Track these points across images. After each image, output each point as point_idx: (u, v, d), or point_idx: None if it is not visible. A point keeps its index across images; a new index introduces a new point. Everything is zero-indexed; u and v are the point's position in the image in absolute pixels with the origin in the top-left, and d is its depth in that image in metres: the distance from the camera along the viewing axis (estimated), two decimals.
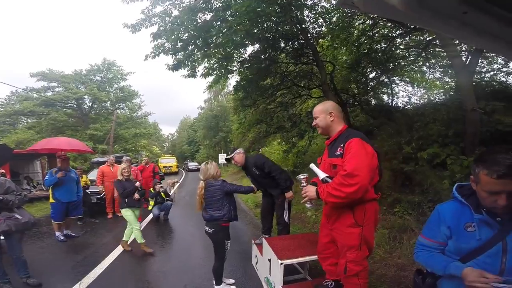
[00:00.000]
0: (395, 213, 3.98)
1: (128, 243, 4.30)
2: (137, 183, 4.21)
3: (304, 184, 2.05)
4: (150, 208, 6.51)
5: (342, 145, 1.85)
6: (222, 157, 22.64)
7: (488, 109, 3.80)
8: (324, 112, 2.03)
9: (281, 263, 2.49)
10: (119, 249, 4.32)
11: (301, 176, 2.08)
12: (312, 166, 2.06)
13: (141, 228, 5.49)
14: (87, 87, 20.53)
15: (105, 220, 6.42)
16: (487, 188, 1.16)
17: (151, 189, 6.52)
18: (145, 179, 7.56)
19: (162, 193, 6.50)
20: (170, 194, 7.00)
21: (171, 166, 25.06)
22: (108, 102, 22.71)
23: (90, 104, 21.90)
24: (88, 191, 6.72)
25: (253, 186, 3.07)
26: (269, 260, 2.78)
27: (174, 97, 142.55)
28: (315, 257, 2.53)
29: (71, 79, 20.70)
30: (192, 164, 31.80)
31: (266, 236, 3.66)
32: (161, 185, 6.53)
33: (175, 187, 10.44)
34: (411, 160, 4.38)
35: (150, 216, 6.56)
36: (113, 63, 22.80)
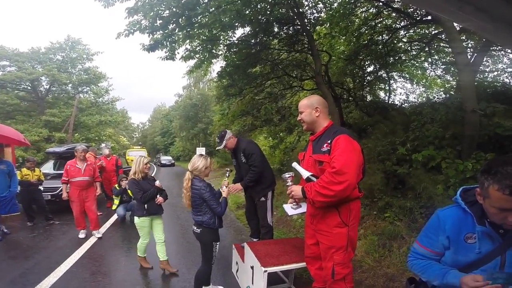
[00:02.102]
0: (385, 219, 4.15)
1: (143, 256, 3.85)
2: (157, 182, 3.72)
3: (290, 183, 2.13)
4: (114, 207, 6.36)
5: (329, 141, 1.94)
6: (200, 151, 22.53)
7: (488, 111, 3.96)
8: (310, 107, 2.10)
9: (265, 271, 2.52)
10: (76, 254, 4.21)
11: (286, 175, 2.16)
12: (295, 165, 2.14)
13: (103, 231, 5.44)
14: (45, 67, 19.52)
15: (62, 220, 6.19)
16: (497, 204, 1.13)
17: (116, 185, 6.38)
18: (107, 173, 7.41)
19: (129, 191, 6.35)
20: None
21: None
22: (70, 85, 21.77)
23: (48, 86, 20.87)
24: (41, 187, 6.35)
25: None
26: (252, 267, 2.80)
27: (148, 82, 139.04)
28: (302, 264, 2.59)
29: (26, 57, 19.59)
30: (165, 159, 31.28)
31: (255, 239, 3.71)
32: (127, 181, 6.39)
33: None
34: (405, 162, 4.56)
35: (114, 216, 6.44)
36: (78, 41, 21.84)
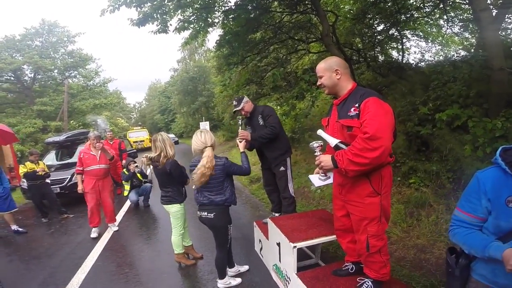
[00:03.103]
0: (410, 185, 4.17)
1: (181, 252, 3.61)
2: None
3: (319, 153, 2.09)
4: (125, 193, 6.41)
5: (357, 105, 1.89)
6: (204, 125, 22.50)
7: None
8: (329, 70, 2.05)
9: (294, 247, 2.52)
10: (98, 247, 4.34)
11: (315, 144, 2.09)
12: (320, 132, 2.09)
13: (120, 219, 5.58)
14: (25, 55, 19.06)
15: (75, 213, 6.31)
16: None
17: (125, 170, 6.38)
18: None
19: (139, 174, 6.40)
20: (147, 174, 6.94)
21: (143, 141, 24.63)
22: (56, 71, 21.36)
23: (32, 74, 20.52)
24: (48, 180, 6.32)
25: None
26: (278, 244, 2.83)
27: (140, 59, 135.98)
28: (332, 237, 2.61)
29: (2, 47, 19.07)
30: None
31: (277, 214, 3.73)
32: (136, 165, 6.42)
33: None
34: (427, 122, 4.48)
35: (127, 203, 6.55)
36: (55, 23, 21.11)
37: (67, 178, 6.97)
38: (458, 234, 1.40)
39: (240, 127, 3.44)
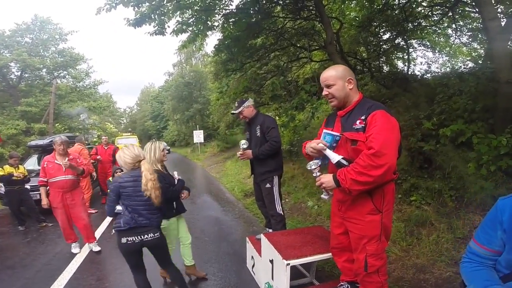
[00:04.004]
0: (411, 203, 4.24)
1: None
2: (175, 174, 3.45)
3: (318, 174, 2.05)
4: None
5: (363, 117, 1.89)
6: (197, 135, 22.58)
7: None
8: (342, 79, 2.00)
9: (288, 264, 2.53)
10: (78, 259, 4.29)
11: (313, 166, 2.05)
12: (321, 147, 2.06)
13: (102, 232, 5.51)
14: (13, 52, 19.22)
15: (55, 222, 6.13)
16: None
17: (111, 179, 6.34)
18: (102, 165, 7.50)
19: None
20: None
21: None
22: (44, 70, 21.54)
23: (19, 73, 20.67)
24: (27, 185, 6.25)
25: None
26: (271, 261, 2.84)
27: (133, 61, 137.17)
28: (327, 255, 2.64)
29: None
30: None
31: (270, 230, 3.75)
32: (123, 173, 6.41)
33: None
34: (431, 138, 4.58)
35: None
36: (47, 20, 21.37)
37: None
38: (465, 269, 1.34)
39: (241, 150, 3.49)
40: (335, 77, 2.00)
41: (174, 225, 3.36)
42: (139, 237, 2.60)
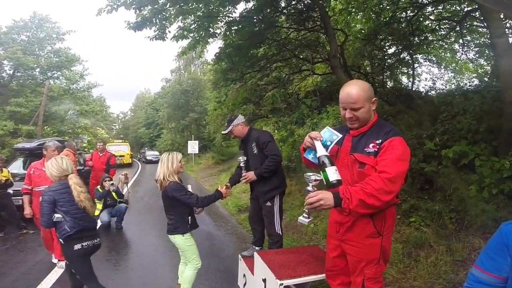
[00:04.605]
0: (410, 224, 4.28)
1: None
2: (189, 186, 3.50)
3: (312, 189, 1.82)
4: (97, 213, 6.26)
5: (378, 142, 1.87)
6: (192, 145, 22.65)
7: None
8: (369, 100, 1.90)
9: (281, 284, 2.54)
10: (58, 270, 4.21)
11: (312, 177, 1.82)
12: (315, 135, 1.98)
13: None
14: (8, 50, 19.41)
15: (36, 229, 5.88)
16: None
17: (98, 187, 6.34)
18: (95, 173, 7.48)
19: (114, 193, 6.41)
20: (124, 193, 6.94)
21: (123, 156, 24.68)
22: (37, 70, 21.66)
23: (12, 71, 20.79)
24: (10, 190, 6.19)
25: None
26: (264, 280, 2.84)
27: (130, 65, 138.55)
28: (321, 276, 2.64)
29: None
30: (151, 154, 31.48)
31: (258, 248, 3.75)
32: (111, 182, 6.41)
33: (129, 184, 10.37)
34: (433, 159, 4.66)
35: (98, 224, 6.51)
36: (46, 18, 21.63)
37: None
38: None
39: (243, 170, 3.49)
40: (364, 100, 1.87)
41: (191, 240, 3.27)
42: (92, 241, 2.82)
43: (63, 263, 4.03)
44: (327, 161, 1.84)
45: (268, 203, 3.54)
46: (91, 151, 7.68)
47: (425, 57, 9.19)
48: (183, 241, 3.18)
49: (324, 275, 2.57)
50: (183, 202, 3.07)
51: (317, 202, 1.75)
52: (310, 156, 2.08)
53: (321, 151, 1.89)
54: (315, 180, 1.82)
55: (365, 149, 1.90)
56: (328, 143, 2.00)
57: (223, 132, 3.67)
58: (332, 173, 1.80)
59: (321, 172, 1.86)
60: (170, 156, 3.20)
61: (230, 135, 3.67)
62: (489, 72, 7.50)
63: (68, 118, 22.11)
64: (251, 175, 3.46)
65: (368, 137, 1.93)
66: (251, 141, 3.57)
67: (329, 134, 2.02)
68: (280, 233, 3.62)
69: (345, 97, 1.92)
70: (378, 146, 1.85)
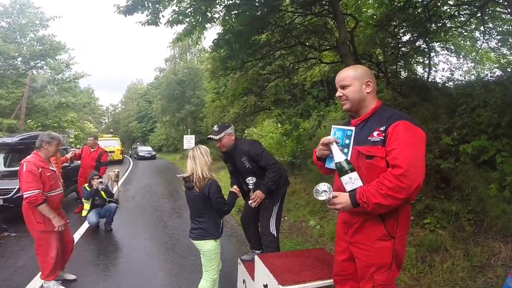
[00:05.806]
0: (425, 226, 4.29)
1: None
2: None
3: (330, 196, 1.85)
4: (84, 213, 6.39)
5: (382, 128, 1.86)
6: (188, 140, 22.62)
7: None
8: (359, 80, 1.97)
9: None
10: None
11: (323, 188, 1.85)
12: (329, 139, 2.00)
13: (74, 242, 5.52)
14: None
15: (19, 232, 5.95)
16: None
17: (86, 185, 6.38)
18: (83, 170, 7.47)
19: (103, 192, 6.43)
20: (114, 192, 6.96)
21: (113, 152, 24.71)
22: (19, 59, 21.66)
23: None
24: None
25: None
26: (265, 286, 2.86)
27: (121, 53, 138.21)
28: (328, 281, 2.65)
29: None
30: (144, 150, 31.62)
31: (258, 252, 3.78)
32: (100, 180, 6.43)
33: (119, 183, 10.39)
34: (450, 155, 4.67)
35: (85, 225, 6.50)
36: (28, 3, 21.57)
37: (14, 188, 6.80)
38: None
39: (251, 191, 3.45)
40: (353, 78, 1.97)
41: (219, 247, 3.23)
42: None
43: (50, 284, 3.77)
44: (346, 166, 1.89)
45: (267, 199, 3.59)
46: (78, 146, 7.63)
47: (442, 46, 9.13)
48: (214, 247, 3.10)
49: (331, 280, 2.57)
50: (216, 206, 3.01)
51: (334, 205, 1.88)
52: (331, 165, 2.06)
53: (339, 157, 1.93)
54: (327, 193, 1.85)
55: (369, 138, 1.89)
56: (347, 141, 2.00)
57: (213, 136, 3.50)
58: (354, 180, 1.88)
59: (340, 178, 1.92)
60: (203, 149, 3.07)
61: (217, 142, 3.56)
62: None
63: (52, 110, 22.04)
64: (260, 194, 3.46)
65: (371, 125, 1.93)
66: (239, 155, 3.57)
67: (341, 132, 2.03)
68: (275, 234, 3.65)
69: (336, 78, 2.05)
70: (383, 134, 1.84)
